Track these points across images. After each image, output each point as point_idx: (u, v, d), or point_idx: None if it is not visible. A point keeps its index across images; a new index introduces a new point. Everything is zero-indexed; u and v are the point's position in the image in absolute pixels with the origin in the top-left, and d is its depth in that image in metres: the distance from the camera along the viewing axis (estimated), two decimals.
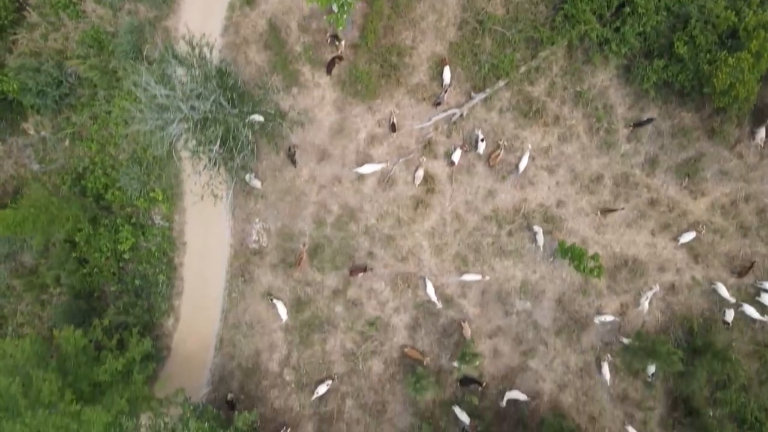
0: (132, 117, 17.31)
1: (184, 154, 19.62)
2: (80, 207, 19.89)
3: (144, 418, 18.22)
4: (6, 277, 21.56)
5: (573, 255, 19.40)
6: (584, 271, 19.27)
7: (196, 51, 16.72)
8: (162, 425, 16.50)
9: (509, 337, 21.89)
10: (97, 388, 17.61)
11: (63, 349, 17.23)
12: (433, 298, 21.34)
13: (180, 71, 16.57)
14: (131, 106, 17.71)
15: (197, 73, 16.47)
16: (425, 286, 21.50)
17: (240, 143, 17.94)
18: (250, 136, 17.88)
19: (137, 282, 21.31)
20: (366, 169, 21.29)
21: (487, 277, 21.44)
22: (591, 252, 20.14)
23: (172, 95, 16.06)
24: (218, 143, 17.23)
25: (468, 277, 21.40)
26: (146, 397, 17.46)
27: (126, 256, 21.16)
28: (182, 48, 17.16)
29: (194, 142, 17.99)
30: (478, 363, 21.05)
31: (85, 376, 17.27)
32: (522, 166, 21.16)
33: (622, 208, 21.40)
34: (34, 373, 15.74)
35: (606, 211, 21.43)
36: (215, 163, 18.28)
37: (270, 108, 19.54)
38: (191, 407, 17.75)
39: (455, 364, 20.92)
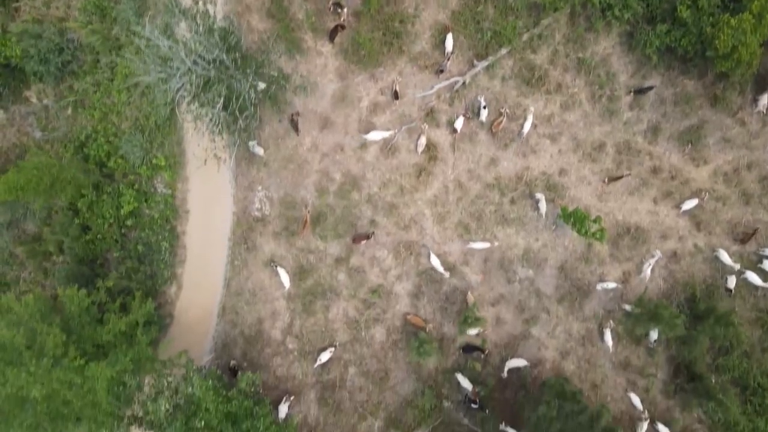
0: (136, 69, 17.26)
1: (187, 118, 19.66)
2: (82, 170, 19.90)
3: (147, 381, 18.20)
4: (9, 245, 21.56)
5: (575, 219, 19.43)
6: (587, 234, 19.30)
7: (200, 4, 16.73)
8: (165, 384, 16.50)
9: (512, 304, 21.91)
10: (101, 349, 17.62)
11: (67, 309, 17.24)
12: (440, 269, 21.32)
13: (183, 25, 16.59)
14: (134, 57, 17.67)
15: (200, 26, 16.47)
16: (429, 258, 21.43)
17: (243, 104, 17.92)
18: (253, 96, 17.86)
19: (140, 248, 21.31)
20: (374, 135, 21.29)
21: (496, 243, 21.38)
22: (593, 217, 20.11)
23: (175, 47, 16.07)
24: (221, 104, 17.22)
25: (476, 245, 21.37)
26: (149, 358, 17.47)
27: (129, 222, 21.17)
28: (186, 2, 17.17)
29: (197, 104, 18.00)
30: (480, 329, 20.99)
31: (89, 336, 17.28)
32: (526, 128, 21.17)
33: (628, 174, 21.39)
34: (39, 327, 15.76)
35: (612, 179, 21.42)
36: (217, 124, 18.26)
37: (273, 70, 19.54)
38: (194, 367, 17.76)
39: (459, 329, 20.90)
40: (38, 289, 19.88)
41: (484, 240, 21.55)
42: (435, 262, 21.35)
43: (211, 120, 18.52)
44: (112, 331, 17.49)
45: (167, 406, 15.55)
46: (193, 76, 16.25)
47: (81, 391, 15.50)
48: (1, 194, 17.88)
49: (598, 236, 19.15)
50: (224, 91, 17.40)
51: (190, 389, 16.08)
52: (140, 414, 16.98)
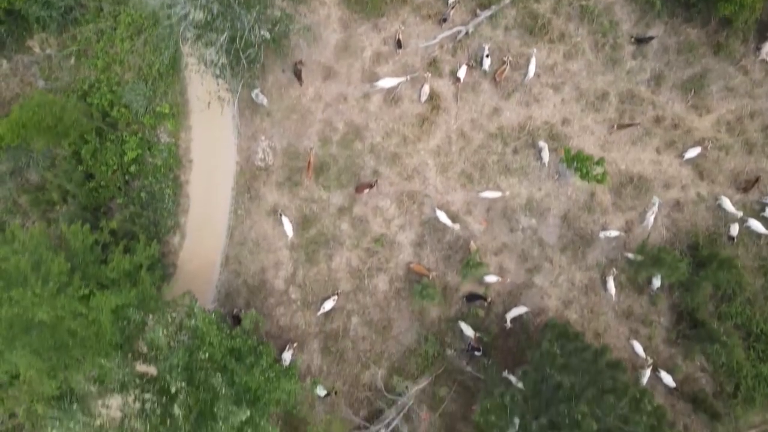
0: None
1: (191, 62, 19.67)
2: (85, 114, 19.89)
3: (151, 320, 18.19)
4: (12, 193, 21.57)
5: (578, 162, 19.44)
6: (589, 177, 19.32)
7: None
8: (169, 319, 16.52)
9: (514, 254, 21.93)
10: (105, 289, 17.62)
11: (71, 245, 17.24)
12: (449, 223, 21.29)
13: None
14: None
15: None
16: (436, 213, 21.39)
17: (247, 42, 17.93)
18: (257, 34, 17.86)
19: (143, 195, 21.31)
20: (384, 83, 21.29)
21: (507, 192, 21.37)
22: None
23: None
24: (225, 40, 17.22)
25: (487, 194, 21.37)
26: (153, 297, 17.47)
27: (132, 169, 21.17)
28: None
29: (201, 43, 18.01)
30: (499, 278, 21.04)
31: (93, 274, 17.30)
32: (530, 71, 21.18)
33: (638, 123, 21.40)
34: (44, 254, 15.78)
35: (622, 126, 21.43)
36: (221, 66, 18.26)
37: (276, 11, 19.54)
38: (198, 304, 17.76)
39: (462, 273, 20.95)
40: (42, 223, 19.84)
41: (494, 189, 21.49)
42: (442, 217, 21.31)
43: (214, 62, 18.52)
44: (116, 269, 17.50)
45: (168, 335, 15.48)
46: (198, 2, 16.23)
47: (85, 322, 15.52)
48: (3, 132, 17.86)
49: (599, 179, 19.18)
50: (228, 29, 17.40)
51: (193, 322, 16.05)
52: (144, 350, 17.00)
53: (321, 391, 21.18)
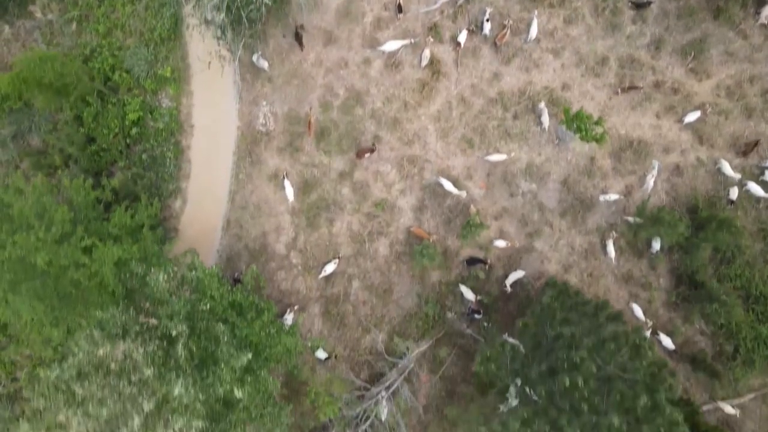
0: None
1: (192, 23, 19.74)
2: (85, 72, 19.95)
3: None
4: (15, 158, 21.65)
5: (577, 121, 19.50)
6: (588, 136, 19.39)
7: None
8: (171, 273, 16.59)
9: (514, 218, 22.00)
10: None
11: (74, 200, 17.31)
12: (455, 191, 21.34)
13: None
14: None
15: None
16: (441, 182, 21.42)
17: (247, 1, 18.01)
18: None
19: (144, 158, 21.39)
20: (389, 46, 21.36)
21: (512, 154, 21.44)
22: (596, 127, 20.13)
23: None
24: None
25: (493, 158, 21.44)
26: (155, 254, 17.57)
27: (134, 132, 21.23)
28: None
29: (202, 1, 18.08)
30: (507, 243, 21.16)
31: (95, 230, 17.36)
32: (532, 33, 21.26)
33: (641, 87, 21.48)
34: (47, 202, 15.85)
35: (625, 90, 21.51)
36: (221, 22, 18.33)
37: None
38: (199, 258, 17.81)
39: (462, 234, 21.04)
40: (45, 178, 19.90)
41: (503, 152, 21.57)
42: (448, 185, 21.34)
43: (215, 21, 18.58)
44: (118, 225, 17.57)
45: (169, 281, 15.51)
46: None
47: (88, 272, 15.60)
48: (3, 86, 17.88)
49: (599, 137, 19.25)
50: None
51: (194, 273, 16.11)
52: (147, 306, 17.07)
53: (321, 354, 21.28)
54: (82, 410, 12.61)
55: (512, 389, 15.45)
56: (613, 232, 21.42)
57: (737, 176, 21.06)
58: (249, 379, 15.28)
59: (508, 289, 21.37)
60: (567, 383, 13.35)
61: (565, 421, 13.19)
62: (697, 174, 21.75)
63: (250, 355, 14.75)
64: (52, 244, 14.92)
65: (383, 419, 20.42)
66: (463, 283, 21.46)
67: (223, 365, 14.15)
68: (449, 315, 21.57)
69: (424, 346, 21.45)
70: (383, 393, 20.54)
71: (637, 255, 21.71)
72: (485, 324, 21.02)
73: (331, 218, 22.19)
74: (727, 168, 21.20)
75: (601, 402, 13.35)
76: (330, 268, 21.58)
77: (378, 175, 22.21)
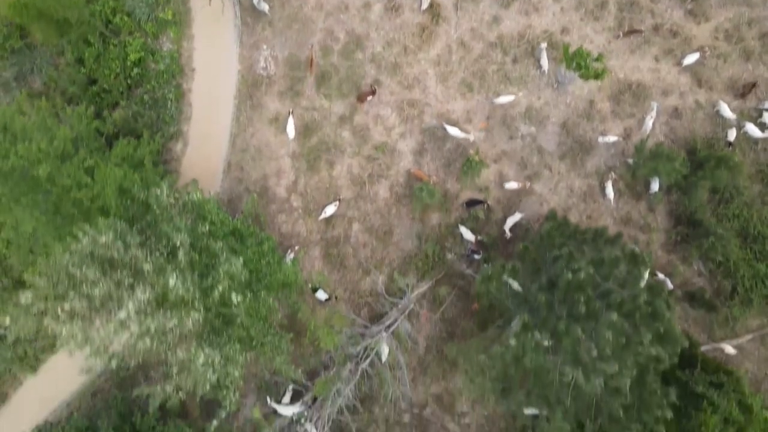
0: None
1: None
2: (87, 11, 20.07)
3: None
4: (17, 99, 21.73)
5: (577, 58, 19.59)
6: (588, 73, 19.49)
7: None
8: (172, 196, 16.64)
9: (514, 161, 22.11)
10: None
11: (75, 128, 17.41)
12: (461, 135, 21.43)
13: None
14: None
15: None
16: (446, 129, 21.50)
17: None
18: None
19: (146, 98, 21.47)
20: None
21: (520, 94, 21.54)
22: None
23: None
24: None
25: (502, 99, 21.54)
26: (157, 183, 17.66)
27: (134, 73, 21.31)
28: None
29: None
30: (519, 184, 21.30)
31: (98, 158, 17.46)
32: None
33: (643, 31, 21.59)
34: (49, 121, 15.95)
35: (627, 33, 21.62)
36: None
37: None
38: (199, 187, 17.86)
39: (462, 171, 21.19)
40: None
41: (512, 93, 21.67)
42: (453, 131, 21.43)
43: None
44: (120, 154, 17.68)
45: (170, 196, 15.54)
46: None
47: (90, 193, 15.70)
48: (3, 10, 17.86)
49: (599, 74, 19.36)
50: None
51: (195, 196, 16.16)
52: (149, 233, 17.15)
53: (322, 296, 21.38)
54: (78, 289, 12.69)
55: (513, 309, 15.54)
56: (612, 174, 21.52)
57: (734, 116, 21.16)
58: (248, 294, 15.35)
59: (508, 234, 21.47)
60: (569, 277, 13.44)
61: (564, 327, 13.29)
62: (695, 117, 21.86)
63: (243, 264, 14.79)
64: (54, 159, 15.02)
65: (383, 360, 20.51)
66: (463, 224, 21.57)
67: (221, 270, 14.23)
68: (449, 256, 21.67)
69: (424, 287, 21.56)
70: (384, 332, 20.64)
71: (635, 197, 21.82)
72: (485, 265, 21.11)
73: (332, 161, 22.30)
74: (725, 109, 21.29)
75: (600, 308, 13.45)
76: (330, 209, 21.69)
77: (378, 118, 22.33)
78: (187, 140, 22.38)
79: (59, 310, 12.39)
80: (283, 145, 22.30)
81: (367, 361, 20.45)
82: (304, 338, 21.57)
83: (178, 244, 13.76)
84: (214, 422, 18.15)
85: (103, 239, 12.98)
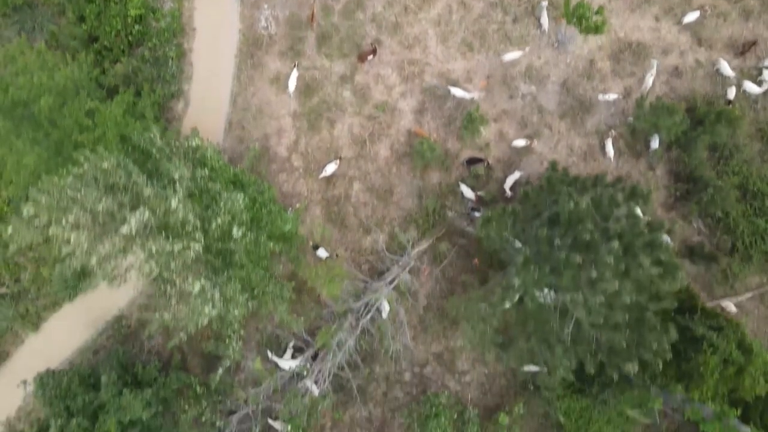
0: None
1: None
2: None
3: None
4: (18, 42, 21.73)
5: (578, 11, 19.65)
6: (589, 25, 19.55)
7: None
8: (174, 147, 16.71)
9: (514, 120, 22.18)
10: None
11: (76, 76, 17.44)
12: (467, 95, 21.48)
13: None
14: None
15: None
16: (450, 90, 21.54)
17: None
18: None
19: (147, 55, 21.49)
20: None
21: (527, 49, 21.59)
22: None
23: None
24: None
25: (510, 56, 21.59)
26: (150, 128, 17.62)
27: (135, 30, 21.30)
28: None
29: None
30: (528, 141, 21.40)
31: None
32: None
33: None
34: (50, 61, 16.00)
35: None
36: None
37: None
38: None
39: (463, 125, 21.27)
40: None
41: (518, 50, 21.69)
42: (459, 92, 21.49)
43: None
44: (120, 104, 17.72)
45: (168, 144, 15.58)
46: None
47: (92, 137, 15.76)
48: None
49: (598, 25, 19.42)
50: None
51: (195, 142, 16.19)
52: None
53: (323, 253, 21.43)
54: (81, 204, 12.71)
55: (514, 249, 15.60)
56: (612, 131, 21.57)
57: (734, 73, 21.22)
58: (248, 233, 15.39)
59: (508, 193, 21.53)
60: (570, 207, 13.50)
61: (564, 256, 13.34)
62: (695, 75, 21.92)
63: (245, 199, 14.84)
64: (55, 96, 15.04)
65: (384, 315, 20.57)
66: (463, 182, 21.62)
67: (222, 204, 14.28)
68: (450, 214, 21.71)
69: (424, 244, 21.62)
70: (385, 287, 20.70)
71: (635, 155, 21.88)
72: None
73: (332, 121, 22.35)
74: (725, 67, 21.35)
75: (600, 239, 13.51)
76: (331, 168, 21.74)
77: (379, 78, 22.39)
78: (188, 99, 22.44)
79: (63, 221, 12.40)
80: (284, 105, 22.35)
81: (368, 316, 20.51)
82: (305, 296, 21.70)
83: (177, 177, 13.80)
84: (219, 370, 18.21)
85: (105, 164, 13.04)
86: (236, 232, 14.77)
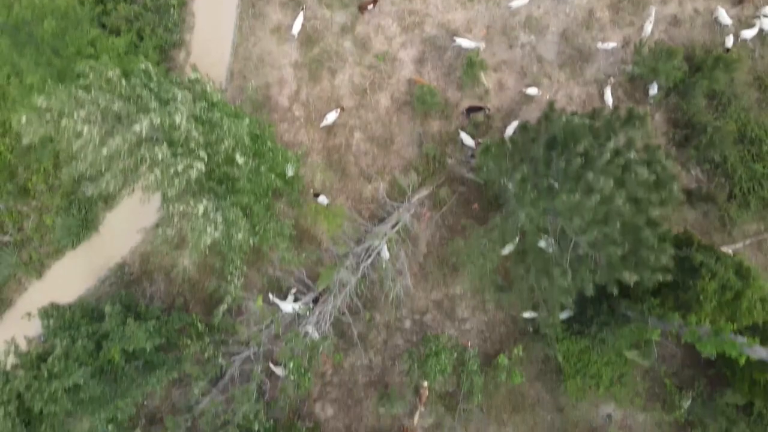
0: None
1: None
2: None
3: None
4: None
5: None
6: None
7: None
8: (176, 79, 16.83)
9: (513, 70, 22.33)
10: None
11: (78, 10, 17.43)
12: (471, 45, 21.57)
13: None
14: None
15: None
16: (455, 41, 21.67)
17: None
18: None
19: (148, 2, 21.57)
20: None
21: None
22: None
23: None
24: None
25: (516, 3, 21.77)
26: (161, 70, 17.83)
27: None
28: None
29: None
30: (537, 91, 21.56)
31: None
32: None
33: None
34: None
35: None
36: None
37: None
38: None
39: (463, 71, 21.43)
40: None
41: None
42: (464, 42, 21.60)
43: None
44: (123, 40, 17.82)
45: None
46: None
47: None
48: None
49: None
50: None
51: (193, 75, 16.28)
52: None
53: (324, 201, 21.56)
54: (93, 102, 12.82)
55: (512, 182, 15.75)
56: (611, 78, 21.72)
57: (731, 21, 21.36)
58: (251, 161, 15.52)
59: (509, 145, 21.63)
60: (564, 120, 13.65)
61: (563, 165, 13.47)
62: (693, 24, 22.07)
63: (248, 121, 14.95)
64: (59, 20, 15.13)
65: (385, 260, 20.71)
66: (463, 130, 21.76)
67: (225, 127, 14.41)
68: (450, 161, 21.87)
69: (424, 191, 21.76)
70: (386, 231, 20.85)
71: (634, 103, 21.88)
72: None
73: (333, 70, 22.49)
74: (723, 16, 21.50)
75: (597, 155, 13.67)
76: (332, 116, 21.86)
77: (379, 28, 22.52)
78: (189, 49, 22.55)
79: (75, 114, 12.51)
80: (286, 55, 22.50)
81: (369, 260, 20.66)
82: (306, 243, 21.84)
83: (180, 98, 13.92)
84: (222, 306, 18.36)
85: (110, 74, 13.16)
86: (239, 158, 14.90)
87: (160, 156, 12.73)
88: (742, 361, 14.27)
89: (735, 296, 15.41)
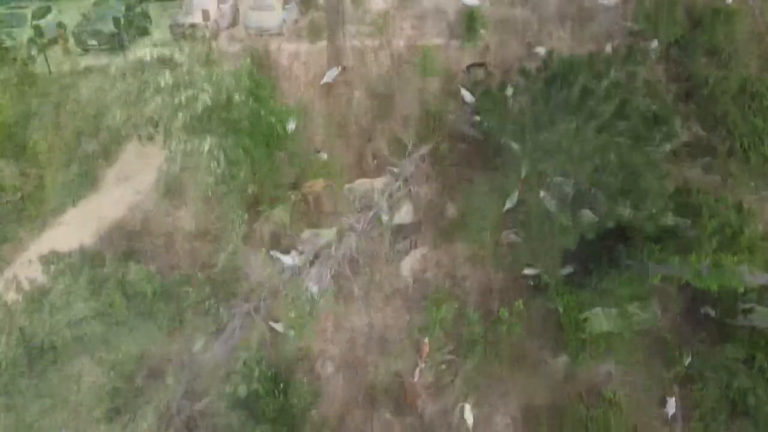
0: None
1: None
2: None
3: None
4: None
5: None
6: None
7: None
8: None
9: (514, 28, 22.37)
10: None
11: None
12: (474, 1, 21.67)
13: None
14: None
15: None
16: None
17: None
18: None
19: None
20: None
21: None
22: None
23: None
24: None
25: None
26: None
27: None
28: None
29: None
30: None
31: None
32: None
33: None
34: None
35: None
36: None
37: None
38: None
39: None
40: None
41: None
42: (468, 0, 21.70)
43: None
44: None
45: None
46: None
47: None
48: None
49: None
50: None
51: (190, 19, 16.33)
52: None
53: (323, 156, 21.56)
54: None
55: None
56: (612, 37, 21.73)
57: None
58: (250, 103, 15.56)
59: (511, 103, 21.65)
60: (563, 56, 13.65)
61: (564, 95, 13.49)
62: None
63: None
64: None
65: (384, 221, 20.73)
66: (464, 87, 21.79)
67: (225, 67, 14.47)
68: (451, 117, 21.88)
69: (425, 149, 21.77)
70: (387, 187, 20.87)
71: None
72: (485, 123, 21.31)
73: (333, 29, 22.48)
74: None
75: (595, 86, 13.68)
76: (332, 73, 21.91)
77: None
78: None
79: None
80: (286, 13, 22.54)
81: (370, 214, 20.65)
82: (307, 204, 21.84)
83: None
84: (222, 254, 18.36)
85: None
86: (238, 97, 14.95)
87: (162, 83, 12.78)
88: (741, 289, 14.24)
89: (734, 234, 15.39)
